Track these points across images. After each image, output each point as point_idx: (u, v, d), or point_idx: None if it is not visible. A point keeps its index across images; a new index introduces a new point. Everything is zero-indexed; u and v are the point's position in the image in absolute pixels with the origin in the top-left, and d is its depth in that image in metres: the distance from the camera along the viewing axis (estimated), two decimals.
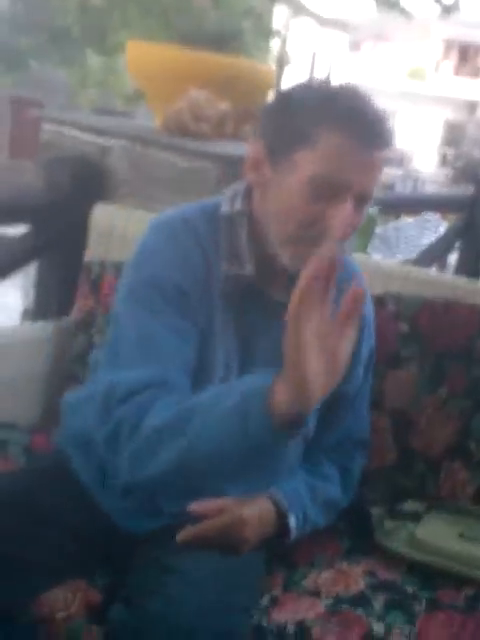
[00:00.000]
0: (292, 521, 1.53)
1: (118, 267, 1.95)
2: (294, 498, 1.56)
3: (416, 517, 1.79)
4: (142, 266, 1.51)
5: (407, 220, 7.72)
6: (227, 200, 1.53)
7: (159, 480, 1.42)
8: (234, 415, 1.27)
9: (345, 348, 1.23)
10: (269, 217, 1.45)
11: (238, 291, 1.50)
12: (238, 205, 1.51)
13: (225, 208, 1.53)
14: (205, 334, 1.49)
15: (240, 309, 1.52)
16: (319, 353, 1.21)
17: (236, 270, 1.49)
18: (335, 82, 1.46)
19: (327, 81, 1.48)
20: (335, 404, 1.60)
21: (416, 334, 1.92)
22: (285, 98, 1.46)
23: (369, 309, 1.70)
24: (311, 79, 1.45)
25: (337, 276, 1.46)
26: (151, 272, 1.49)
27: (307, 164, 1.38)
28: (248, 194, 1.52)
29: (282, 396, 1.23)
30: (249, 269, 1.49)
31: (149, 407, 1.37)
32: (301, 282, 1.19)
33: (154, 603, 1.39)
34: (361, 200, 1.41)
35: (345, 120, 1.37)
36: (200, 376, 1.49)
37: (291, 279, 1.40)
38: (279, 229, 1.43)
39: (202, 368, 1.50)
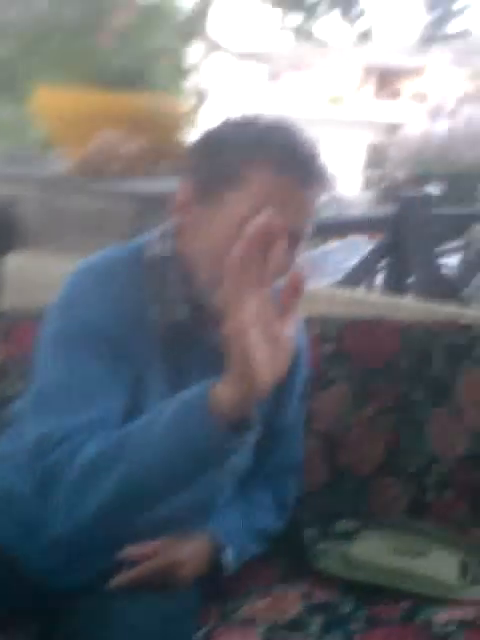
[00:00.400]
0: (229, 555, 1.52)
1: (36, 312, 1.92)
2: (230, 531, 1.55)
3: (350, 536, 1.81)
4: (69, 311, 1.44)
5: (333, 244, 7.82)
6: (154, 242, 1.48)
7: (98, 518, 1.31)
8: (174, 425, 1.21)
9: (290, 334, 1.15)
10: (200, 259, 1.40)
11: (171, 337, 1.44)
12: (166, 247, 1.46)
13: (152, 251, 1.47)
14: (136, 382, 1.42)
15: (174, 355, 1.46)
16: (263, 340, 1.13)
17: (168, 316, 1.43)
18: (265, 118, 1.41)
19: (257, 118, 1.42)
20: (270, 436, 1.60)
21: (341, 354, 1.95)
22: (213, 136, 1.41)
23: (302, 339, 1.68)
24: (241, 116, 1.41)
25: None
26: (80, 317, 1.41)
27: (237, 206, 1.33)
28: (176, 236, 1.46)
29: (225, 393, 1.17)
30: (182, 314, 1.44)
31: (78, 448, 1.30)
32: (237, 248, 1.12)
33: None
34: (294, 239, 1.37)
35: (276, 159, 1.33)
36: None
37: (216, 319, 1.34)
38: (209, 274, 1.38)
39: (133, 419, 1.38)
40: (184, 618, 1.50)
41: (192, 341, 1.47)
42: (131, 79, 2.63)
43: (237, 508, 1.63)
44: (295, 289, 1.15)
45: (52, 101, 2.68)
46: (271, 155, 1.33)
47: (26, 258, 2.19)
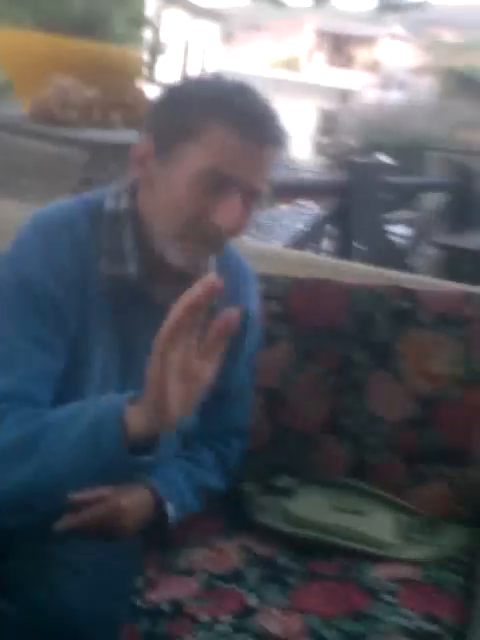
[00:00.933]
0: (170, 509, 1.54)
1: None
2: (171, 486, 1.57)
3: (289, 492, 1.83)
4: (11, 264, 1.44)
5: (282, 208, 7.84)
6: (112, 197, 1.48)
7: (16, 493, 1.34)
8: (87, 436, 1.25)
9: (208, 374, 1.22)
10: (156, 213, 1.42)
11: (119, 292, 1.45)
12: (123, 202, 1.47)
13: (109, 205, 1.47)
14: (79, 339, 1.44)
15: (121, 312, 1.48)
16: (181, 378, 1.18)
17: (117, 270, 1.44)
18: (226, 78, 1.43)
19: (218, 77, 1.45)
20: (215, 400, 1.58)
21: (287, 313, 1.96)
22: (173, 92, 1.43)
23: (255, 303, 1.69)
24: (202, 73, 1.43)
25: (223, 264, 1.51)
26: (19, 273, 1.42)
27: (194, 158, 1.35)
28: (134, 191, 1.47)
29: (136, 418, 1.21)
30: (132, 268, 1.44)
31: (5, 416, 1.32)
32: (171, 317, 1.16)
33: (37, 592, 1.37)
34: (250, 196, 1.39)
35: (234, 115, 1.35)
36: (74, 385, 1.45)
37: (177, 277, 1.41)
38: (166, 225, 1.40)
39: (76, 376, 1.45)
40: (128, 567, 1.52)
41: (140, 298, 1.47)
42: (90, 26, 2.60)
43: (180, 466, 1.64)
44: (223, 331, 1.19)
45: (7, 43, 2.63)
46: (230, 111, 1.35)
47: None
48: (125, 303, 1.47)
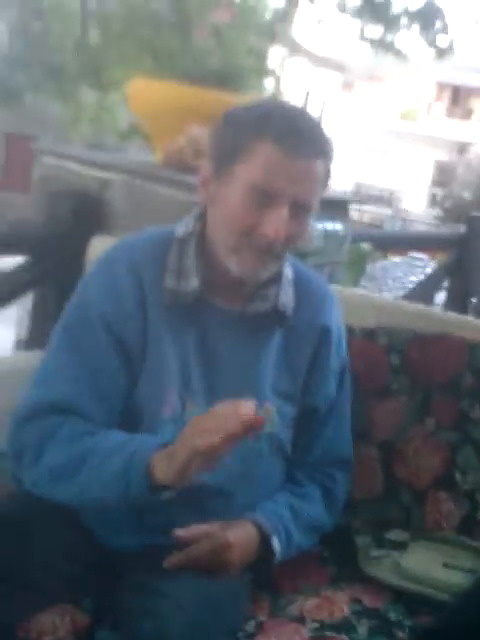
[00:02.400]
0: (276, 543, 1.55)
1: None
2: (276, 520, 1.59)
3: (401, 546, 1.83)
4: (77, 293, 1.63)
5: (394, 260, 7.81)
6: (182, 223, 1.63)
7: (66, 505, 1.54)
8: (117, 479, 1.42)
9: (226, 453, 1.36)
10: (216, 230, 1.55)
11: (185, 306, 1.57)
12: (190, 226, 1.61)
13: (179, 231, 1.62)
14: (148, 351, 1.57)
15: (193, 322, 1.59)
16: (200, 460, 1.35)
17: (181, 285, 1.57)
18: (272, 100, 1.53)
19: (267, 100, 1.55)
20: (307, 418, 1.69)
21: (406, 366, 1.97)
22: (227, 117, 1.55)
23: (337, 323, 1.76)
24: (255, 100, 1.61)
25: (299, 283, 1.67)
26: (81, 300, 1.61)
27: (244, 175, 1.48)
28: (202, 214, 1.61)
29: (158, 467, 1.38)
30: (194, 283, 1.56)
31: (50, 436, 1.50)
32: (214, 440, 1.33)
33: (143, 626, 1.42)
34: (299, 209, 1.50)
35: (277, 131, 1.46)
36: (152, 387, 1.57)
37: (243, 290, 1.59)
38: (224, 239, 1.53)
39: (153, 379, 1.57)
40: (234, 605, 1.55)
41: (209, 309, 1.60)
42: (221, 77, 2.68)
43: (286, 500, 1.66)
44: (253, 429, 1.35)
45: (146, 91, 2.73)
46: (275, 129, 1.47)
47: (111, 242, 2.20)
48: (194, 316, 1.59)
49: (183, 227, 1.62)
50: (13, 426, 1.55)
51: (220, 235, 1.54)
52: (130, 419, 1.57)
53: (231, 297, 1.61)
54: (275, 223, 1.47)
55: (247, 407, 1.35)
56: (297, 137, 1.47)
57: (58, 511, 1.55)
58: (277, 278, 1.63)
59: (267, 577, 1.66)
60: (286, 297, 1.64)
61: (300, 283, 1.68)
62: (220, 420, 1.34)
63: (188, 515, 1.46)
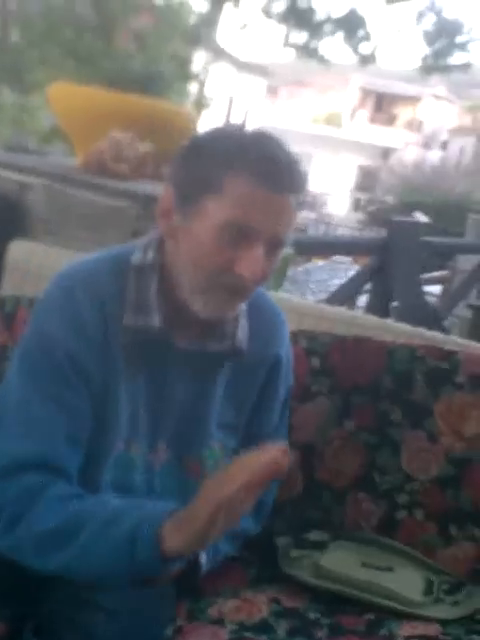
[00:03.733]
0: (203, 559, 1.54)
1: (33, 302, 1.97)
2: None
3: (321, 546, 1.85)
4: (35, 322, 1.50)
5: (318, 263, 7.89)
6: (140, 249, 1.51)
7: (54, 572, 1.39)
8: (124, 546, 1.29)
9: (244, 510, 1.27)
10: (180, 266, 1.44)
11: (143, 343, 1.48)
12: (150, 255, 1.50)
13: (136, 258, 1.50)
14: (105, 395, 1.46)
15: (146, 363, 1.50)
16: (224, 516, 1.24)
17: (142, 321, 1.46)
18: (246, 129, 1.45)
19: (238, 128, 1.46)
20: (249, 442, 1.61)
21: (326, 369, 1.99)
22: (195, 145, 1.44)
23: (287, 351, 1.73)
24: (223, 125, 1.48)
25: (256, 310, 1.58)
26: (41, 332, 1.46)
27: (216, 211, 1.37)
28: (161, 243, 1.50)
29: (173, 537, 1.26)
30: (156, 320, 1.47)
31: (33, 497, 1.36)
32: (236, 486, 1.24)
33: (72, 636, 1.42)
34: (273, 246, 1.41)
35: (253, 166, 1.36)
36: (103, 439, 1.48)
37: (202, 327, 1.48)
38: (191, 278, 1.42)
39: (104, 430, 1.48)
40: (162, 613, 1.54)
41: (166, 348, 1.50)
42: (142, 82, 2.68)
43: None
44: (273, 474, 1.26)
45: (67, 95, 2.72)
46: (249, 162, 1.36)
47: (30, 247, 2.21)
48: (151, 353, 1.49)
49: (140, 254, 1.51)
50: None
51: (186, 272, 1.43)
52: (85, 458, 1.47)
53: (187, 334, 1.51)
54: (252, 263, 1.38)
55: (273, 452, 1.28)
56: (275, 171, 1.37)
57: None
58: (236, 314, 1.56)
59: (192, 585, 1.66)
60: (243, 332, 1.56)
61: (253, 312, 1.59)
62: (245, 465, 1.26)
63: None
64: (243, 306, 1.55)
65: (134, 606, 1.45)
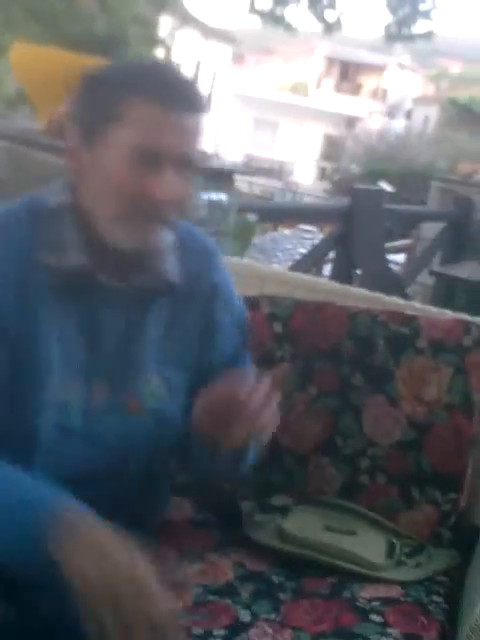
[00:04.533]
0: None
1: None
2: None
3: (284, 511, 1.86)
4: None
5: (284, 232, 7.90)
6: (53, 193, 1.49)
7: None
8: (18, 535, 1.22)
9: None
10: (96, 201, 1.43)
11: (66, 282, 1.45)
12: (64, 196, 1.48)
13: (50, 201, 1.48)
14: (27, 337, 1.43)
15: (75, 301, 1.47)
16: None
17: (63, 262, 1.43)
18: (140, 60, 1.47)
19: (131, 61, 1.49)
20: (201, 379, 1.56)
21: (289, 334, 2.00)
22: (91, 79, 1.44)
23: (225, 279, 1.69)
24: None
25: (183, 241, 1.57)
26: None
27: (120, 139, 1.38)
28: (75, 185, 1.47)
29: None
30: (77, 258, 1.44)
31: None
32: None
33: (37, 594, 1.34)
34: (183, 166, 1.41)
35: (152, 90, 1.37)
36: (31, 383, 1.44)
37: (128, 263, 1.47)
38: (106, 211, 1.42)
39: (31, 373, 1.43)
40: None
41: (92, 286, 1.47)
42: (108, 45, 2.65)
43: None
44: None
45: (29, 57, 2.69)
46: (148, 87, 1.37)
47: None
48: (76, 294, 1.46)
49: (54, 197, 1.48)
50: None
51: (101, 206, 1.42)
52: (12, 405, 1.43)
53: (113, 270, 1.48)
54: (164, 184, 1.39)
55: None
56: (174, 92, 1.39)
57: None
58: (162, 247, 1.52)
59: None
60: (170, 265, 1.54)
61: (184, 244, 1.58)
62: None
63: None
64: (170, 240, 1.53)
65: None
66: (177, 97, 1.38)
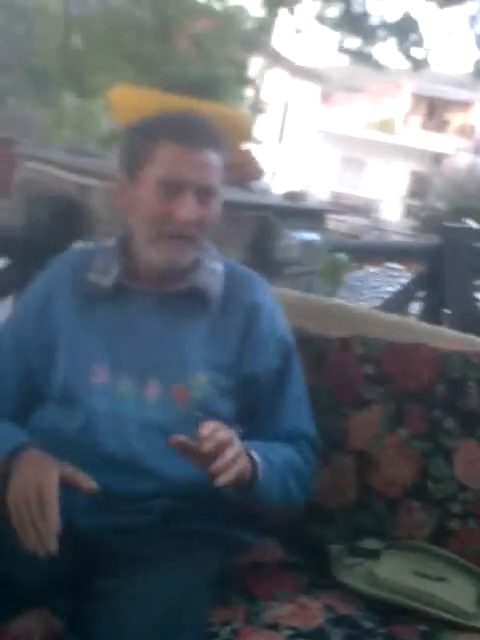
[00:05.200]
0: (255, 455, 1.61)
1: None
2: (259, 451, 1.64)
3: (374, 555, 1.84)
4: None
5: (371, 270, 7.85)
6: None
7: None
8: None
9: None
10: (135, 229, 1.75)
11: (99, 296, 1.75)
12: (119, 231, 1.83)
13: (110, 241, 1.84)
14: (65, 336, 1.75)
15: (116, 306, 1.75)
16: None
17: (101, 280, 1.75)
18: (166, 111, 1.78)
19: (160, 112, 1.78)
20: (249, 388, 1.78)
21: (380, 376, 1.99)
22: (132, 131, 1.78)
23: (269, 303, 1.85)
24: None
25: (229, 274, 1.82)
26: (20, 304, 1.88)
27: (152, 175, 1.68)
28: (123, 219, 1.79)
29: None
30: (113, 275, 1.75)
31: None
32: None
33: (102, 627, 1.46)
34: (204, 194, 1.69)
35: (173, 132, 1.68)
36: (76, 365, 1.72)
37: (160, 276, 1.75)
38: (145, 235, 1.72)
39: (74, 358, 1.73)
40: (196, 603, 1.57)
41: (129, 295, 1.76)
42: (201, 86, 2.70)
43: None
44: None
45: (127, 99, 2.74)
46: (171, 130, 1.69)
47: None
48: (119, 303, 1.76)
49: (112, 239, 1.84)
50: None
51: (140, 231, 1.73)
52: (63, 396, 1.72)
53: (149, 283, 1.77)
54: (185, 208, 1.66)
55: None
56: (189, 131, 1.69)
57: None
58: (196, 265, 1.78)
59: (242, 585, 1.68)
60: (207, 279, 1.78)
61: (231, 275, 1.83)
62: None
63: (120, 477, 1.64)
64: (218, 268, 1.81)
65: (166, 594, 1.50)
66: (194, 137, 1.68)
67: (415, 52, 15.16)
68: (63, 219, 2.52)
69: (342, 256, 3.53)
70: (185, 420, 1.67)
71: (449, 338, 2.12)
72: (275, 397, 1.80)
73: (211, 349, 1.76)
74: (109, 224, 2.46)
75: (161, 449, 1.61)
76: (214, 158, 1.70)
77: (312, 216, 2.93)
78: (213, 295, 1.77)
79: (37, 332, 1.78)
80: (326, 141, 27.18)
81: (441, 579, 1.79)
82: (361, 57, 15.07)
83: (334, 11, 14.83)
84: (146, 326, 1.75)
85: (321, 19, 15.01)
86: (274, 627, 1.60)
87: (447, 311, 5.03)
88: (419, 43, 15.15)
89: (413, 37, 15.08)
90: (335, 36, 15.40)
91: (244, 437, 1.63)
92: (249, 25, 13.30)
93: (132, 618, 1.46)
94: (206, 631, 1.55)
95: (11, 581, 1.53)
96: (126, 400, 1.70)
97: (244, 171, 2.90)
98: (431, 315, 4.83)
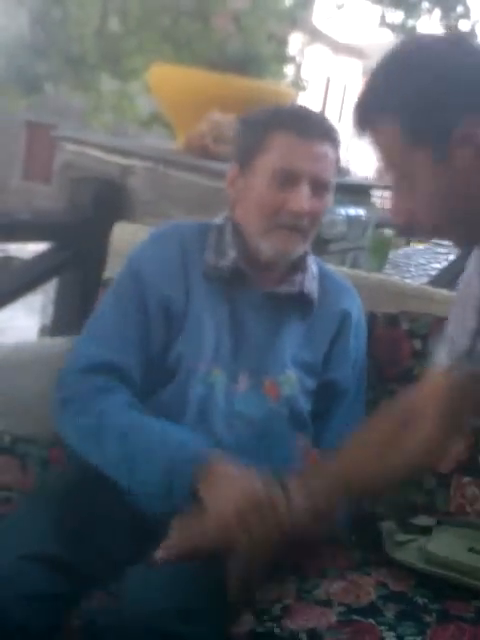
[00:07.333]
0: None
1: None
2: None
3: (426, 531, 1.82)
4: (128, 262, 1.82)
5: (417, 247, 7.77)
6: (219, 217, 1.84)
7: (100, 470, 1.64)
8: (160, 480, 1.55)
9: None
10: (247, 218, 1.74)
11: (220, 279, 1.75)
12: (223, 218, 1.82)
13: (215, 221, 1.83)
14: (187, 318, 1.73)
15: (226, 297, 1.76)
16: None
17: (218, 262, 1.75)
18: (281, 104, 1.83)
19: (274, 105, 1.82)
20: (326, 393, 1.82)
21: (428, 351, 1.96)
22: (244, 122, 1.82)
23: (358, 313, 1.88)
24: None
25: (323, 280, 1.84)
26: (131, 267, 1.79)
27: (266, 164, 1.68)
28: (231, 209, 1.80)
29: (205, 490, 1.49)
30: (233, 260, 1.74)
31: (102, 396, 1.65)
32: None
33: (121, 602, 1.46)
34: (318, 187, 1.70)
35: (288, 122, 1.69)
36: (192, 348, 1.72)
37: (277, 274, 1.77)
38: (255, 225, 1.72)
39: (188, 347, 1.72)
40: (211, 589, 1.50)
41: (246, 286, 1.77)
42: (241, 64, 2.68)
43: None
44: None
45: (167, 78, 2.74)
46: (286, 121, 1.70)
47: (133, 228, 2.22)
48: (233, 289, 1.76)
49: (219, 218, 1.82)
50: (68, 375, 1.72)
51: (251, 222, 1.73)
52: (166, 373, 1.72)
53: (262, 279, 1.77)
54: (299, 199, 1.66)
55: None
56: (305, 122, 1.70)
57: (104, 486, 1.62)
58: (303, 266, 1.80)
59: (293, 563, 1.67)
60: (311, 285, 1.80)
61: (324, 278, 1.85)
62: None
63: None
64: (314, 269, 1.83)
65: (179, 579, 1.47)
66: (311, 128, 1.69)
67: (460, 25, 14.91)
68: (105, 201, 2.52)
69: (388, 231, 3.49)
70: (271, 415, 1.72)
71: None
72: (341, 402, 1.83)
73: (303, 349, 1.79)
74: (152, 205, 2.46)
75: (244, 440, 1.67)
76: (330, 151, 1.71)
77: (358, 192, 2.90)
78: (312, 296, 1.80)
79: (178, 294, 1.75)
80: None
81: None
82: (404, 31, 14.87)
83: None
84: (250, 319, 1.76)
85: None
86: (326, 603, 1.59)
87: None
88: (465, 15, 14.92)
89: (458, 9, 14.85)
90: (377, 10, 15.19)
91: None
92: (288, 1, 13.23)
93: (139, 598, 1.43)
94: (257, 608, 1.54)
95: (73, 567, 1.51)
96: (216, 389, 1.71)
97: None
98: None
